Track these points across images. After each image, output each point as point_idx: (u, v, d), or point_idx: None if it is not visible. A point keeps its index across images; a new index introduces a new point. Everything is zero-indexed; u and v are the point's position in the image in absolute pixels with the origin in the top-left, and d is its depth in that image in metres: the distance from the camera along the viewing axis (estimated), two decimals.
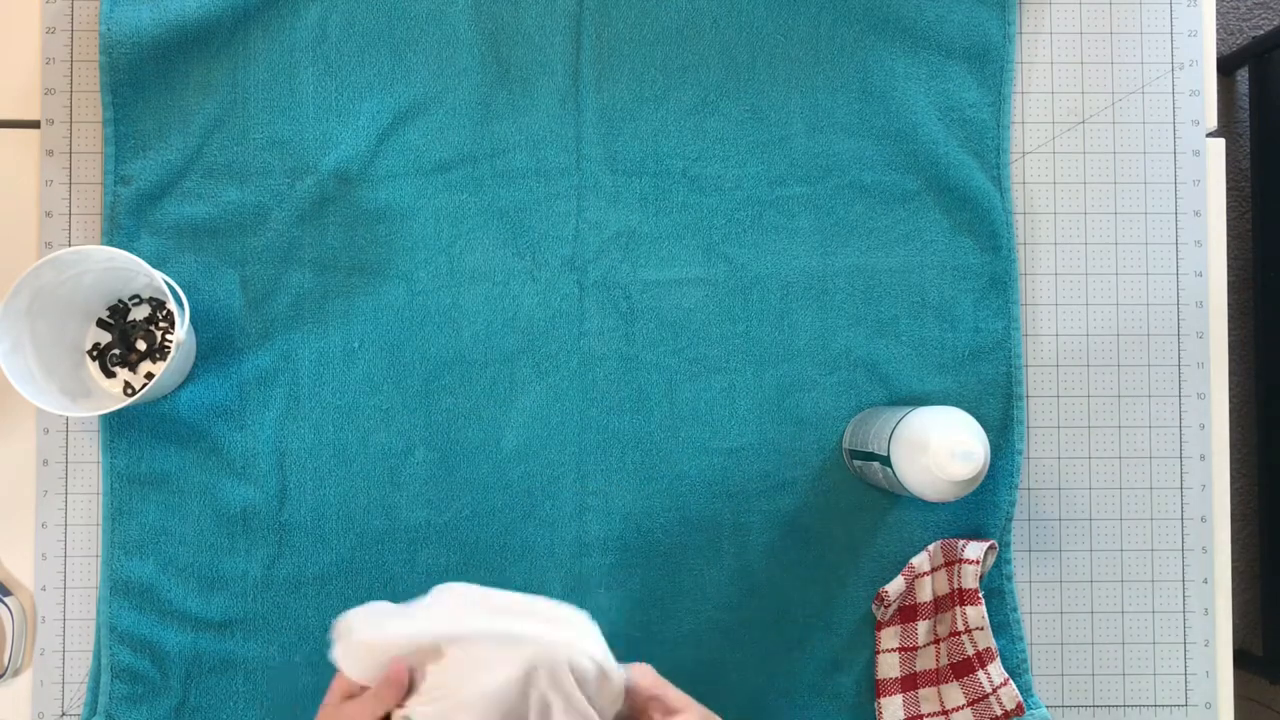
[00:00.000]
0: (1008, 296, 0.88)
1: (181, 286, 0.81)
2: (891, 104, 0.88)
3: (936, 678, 0.84)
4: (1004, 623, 0.86)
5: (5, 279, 0.79)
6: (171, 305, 0.79)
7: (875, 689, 0.85)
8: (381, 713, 0.62)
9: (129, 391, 0.86)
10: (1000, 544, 0.86)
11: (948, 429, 0.72)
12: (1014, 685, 0.81)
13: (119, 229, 0.86)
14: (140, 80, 0.87)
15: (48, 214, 0.88)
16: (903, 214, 0.88)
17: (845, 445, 0.86)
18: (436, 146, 0.88)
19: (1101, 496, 0.88)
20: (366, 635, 0.63)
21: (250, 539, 0.85)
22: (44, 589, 0.86)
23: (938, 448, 0.71)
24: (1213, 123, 0.91)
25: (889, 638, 0.85)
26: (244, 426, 0.86)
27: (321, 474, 0.86)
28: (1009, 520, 0.86)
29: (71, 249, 0.78)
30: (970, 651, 0.82)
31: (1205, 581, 0.88)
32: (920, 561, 0.84)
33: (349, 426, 0.86)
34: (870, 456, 0.79)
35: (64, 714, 0.85)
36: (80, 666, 0.86)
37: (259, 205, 0.87)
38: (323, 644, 0.83)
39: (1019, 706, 0.81)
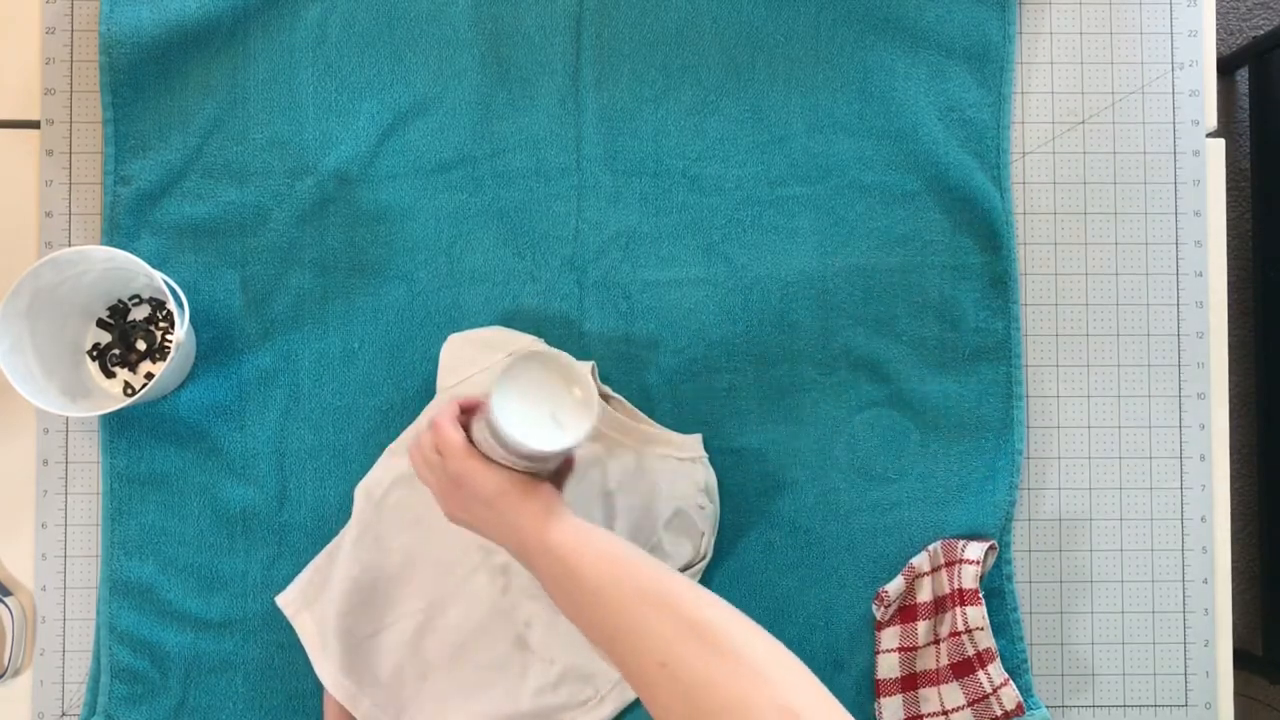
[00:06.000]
0: (1008, 296, 0.88)
1: (181, 286, 0.81)
2: (891, 104, 0.88)
3: (936, 678, 0.84)
4: (1004, 623, 0.86)
5: (5, 279, 0.79)
6: (171, 305, 0.79)
7: (875, 689, 0.85)
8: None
9: (129, 391, 0.86)
10: (1000, 544, 0.86)
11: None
12: (1014, 685, 0.81)
13: (119, 229, 0.86)
14: (140, 80, 0.87)
15: (48, 214, 0.88)
16: (903, 214, 0.88)
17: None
18: (436, 146, 0.88)
19: (1101, 496, 0.88)
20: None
21: (250, 539, 0.85)
22: (44, 589, 0.86)
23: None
24: (1213, 123, 0.91)
25: (889, 638, 0.85)
26: (244, 426, 0.86)
27: (321, 474, 0.86)
28: (1009, 520, 0.86)
29: (71, 249, 0.78)
30: (970, 652, 0.82)
31: (1205, 581, 0.88)
32: (920, 561, 0.84)
33: (349, 427, 0.86)
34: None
35: (64, 714, 0.85)
36: (80, 666, 0.85)
37: (259, 205, 0.87)
38: None
39: (1019, 706, 0.81)
